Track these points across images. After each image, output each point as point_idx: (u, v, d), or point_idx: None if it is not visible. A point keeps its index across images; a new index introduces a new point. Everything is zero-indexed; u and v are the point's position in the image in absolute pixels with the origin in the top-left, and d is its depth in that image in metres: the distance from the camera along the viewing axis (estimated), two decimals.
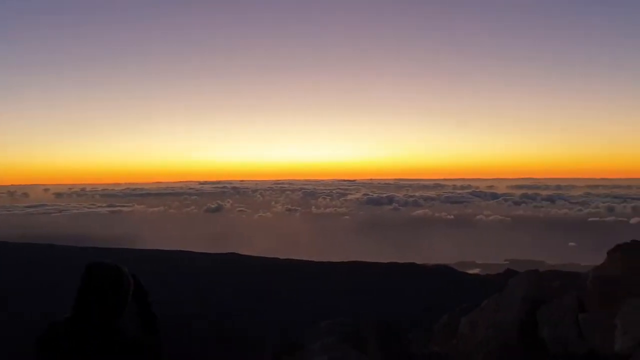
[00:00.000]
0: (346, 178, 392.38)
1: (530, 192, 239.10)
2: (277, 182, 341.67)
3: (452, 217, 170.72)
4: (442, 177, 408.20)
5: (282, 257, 44.91)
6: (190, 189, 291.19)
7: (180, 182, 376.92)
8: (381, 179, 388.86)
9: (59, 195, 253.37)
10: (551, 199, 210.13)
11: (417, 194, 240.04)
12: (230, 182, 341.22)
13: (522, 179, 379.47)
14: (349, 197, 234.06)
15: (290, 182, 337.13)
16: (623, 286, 7.22)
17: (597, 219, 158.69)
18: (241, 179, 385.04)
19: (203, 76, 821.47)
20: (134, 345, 2.76)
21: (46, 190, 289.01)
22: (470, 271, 59.14)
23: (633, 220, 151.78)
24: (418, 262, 47.16)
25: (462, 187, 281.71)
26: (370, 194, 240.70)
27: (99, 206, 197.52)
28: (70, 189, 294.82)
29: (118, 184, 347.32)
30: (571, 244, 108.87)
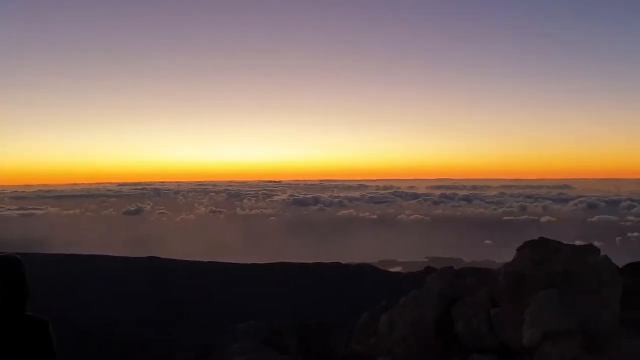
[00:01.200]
0: (271, 179, 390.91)
1: (448, 192, 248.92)
2: (200, 184, 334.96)
3: (375, 217, 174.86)
4: (366, 178, 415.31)
5: (205, 260, 44.17)
6: (108, 190, 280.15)
7: (98, 183, 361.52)
8: (307, 180, 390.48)
9: None
10: (468, 199, 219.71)
11: (342, 194, 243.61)
12: (150, 184, 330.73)
13: (441, 179, 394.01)
14: (275, 198, 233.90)
15: (214, 184, 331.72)
16: (531, 282, 7.60)
17: (511, 217, 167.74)
18: (162, 181, 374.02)
19: (120, 73, 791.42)
20: (42, 326, 2.85)
21: None
22: (392, 270, 60.80)
23: (544, 219, 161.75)
24: (343, 262, 47.94)
25: (385, 188, 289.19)
26: (297, 195, 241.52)
27: (8, 209, 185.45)
28: None
29: (29, 186, 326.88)
30: (487, 242, 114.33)
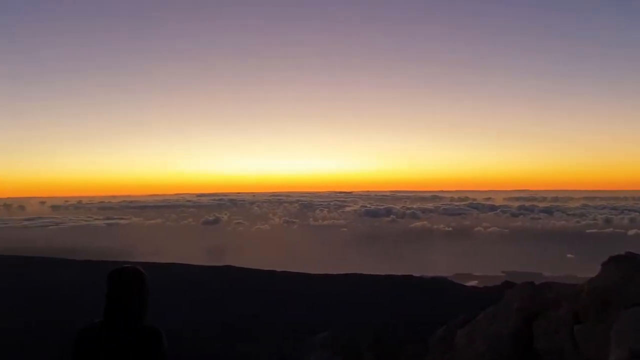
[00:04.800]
0: (343, 190, 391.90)
1: (527, 203, 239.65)
2: (274, 194, 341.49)
3: (450, 229, 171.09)
4: (439, 189, 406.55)
5: (279, 269, 44.83)
6: (187, 201, 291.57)
7: (177, 194, 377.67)
8: (378, 191, 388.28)
9: (55, 207, 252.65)
10: (548, 211, 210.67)
11: (415, 205, 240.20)
12: (226, 194, 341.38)
13: (518, 190, 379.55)
14: (347, 209, 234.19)
15: (287, 194, 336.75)
16: (617, 298, 7.25)
17: (595, 230, 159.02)
18: (238, 191, 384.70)
19: (201, 82, 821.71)
20: (156, 334, 3.07)
21: (42, 202, 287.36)
22: (468, 283, 59.13)
23: (630, 232, 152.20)
24: (416, 274, 47.16)
25: (460, 199, 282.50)
26: (368, 205, 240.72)
27: (95, 219, 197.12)
28: (66, 201, 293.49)
29: (115, 196, 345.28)
30: (569, 255, 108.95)
